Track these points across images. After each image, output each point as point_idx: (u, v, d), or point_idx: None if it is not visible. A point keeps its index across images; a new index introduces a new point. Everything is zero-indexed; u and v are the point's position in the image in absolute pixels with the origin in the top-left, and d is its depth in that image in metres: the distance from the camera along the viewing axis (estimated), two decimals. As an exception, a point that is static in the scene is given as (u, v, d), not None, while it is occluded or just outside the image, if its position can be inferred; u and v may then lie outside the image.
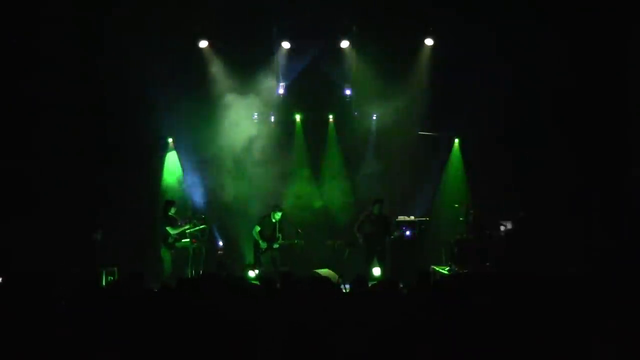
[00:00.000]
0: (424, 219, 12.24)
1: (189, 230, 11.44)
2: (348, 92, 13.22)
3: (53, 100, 11.30)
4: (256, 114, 12.99)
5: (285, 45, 12.68)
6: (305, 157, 13.44)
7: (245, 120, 12.72)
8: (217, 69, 12.67)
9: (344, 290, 8.18)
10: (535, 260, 10.35)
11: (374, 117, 13.31)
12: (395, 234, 11.88)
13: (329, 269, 10.75)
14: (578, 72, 11.40)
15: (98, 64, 11.34)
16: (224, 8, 11.82)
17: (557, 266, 9.78)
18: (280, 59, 12.81)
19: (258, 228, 11.62)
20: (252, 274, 11.42)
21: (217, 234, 12.07)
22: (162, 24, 11.31)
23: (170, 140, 13.09)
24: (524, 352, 4.52)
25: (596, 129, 11.49)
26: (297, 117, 13.37)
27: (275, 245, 11.57)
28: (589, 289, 5.76)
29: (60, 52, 11.18)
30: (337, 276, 10.25)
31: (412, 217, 12.18)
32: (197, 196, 12.88)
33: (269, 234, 11.60)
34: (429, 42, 12.71)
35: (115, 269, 10.81)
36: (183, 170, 13.11)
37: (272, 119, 13.24)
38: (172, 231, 11.25)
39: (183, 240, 11.40)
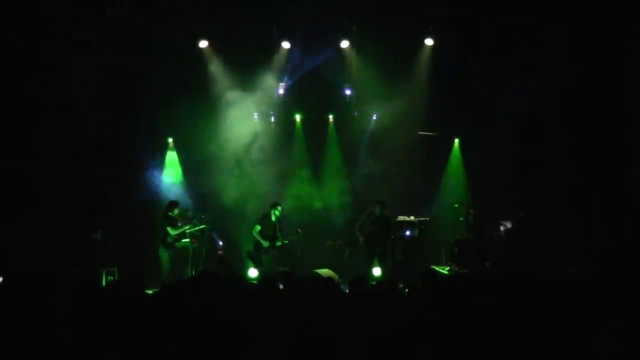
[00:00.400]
0: (424, 219, 12.23)
1: (189, 230, 11.44)
2: (348, 92, 13.23)
3: (53, 100, 11.30)
4: (256, 114, 13.01)
5: (285, 45, 12.70)
6: (305, 157, 13.45)
7: (245, 120, 12.74)
8: (217, 68, 12.67)
9: (345, 291, 8.18)
10: (535, 260, 10.34)
11: (374, 117, 13.31)
12: (400, 234, 11.86)
13: (329, 269, 10.75)
14: (578, 72, 11.40)
15: (98, 64, 11.33)
16: (224, 8, 11.82)
17: (557, 266, 9.78)
18: (280, 59, 12.82)
19: (258, 227, 11.62)
20: (252, 274, 11.42)
21: (215, 236, 12.04)
22: (162, 24, 11.30)
23: (170, 140, 13.09)
24: (524, 352, 4.51)
25: (596, 128, 11.49)
26: (297, 117, 13.38)
27: (278, 244, 11.57)
28: (589, 289, 5.76)
29: (60, 52, 11.18)
30: (337, 276, 10.25)
31: (412, 217, 12.17)
32: (197, 196, 12.87)
33: (270, 233, 11.60)
34: (429, 42, 12.71)
35: (115, 269, 10.80)
36: (183, 170, 13.11)
37: (272, 119, 13.25)
38: (172, 231, 11.26)
39: (183, 240, 11.40)
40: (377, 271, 11.50)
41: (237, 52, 12.41)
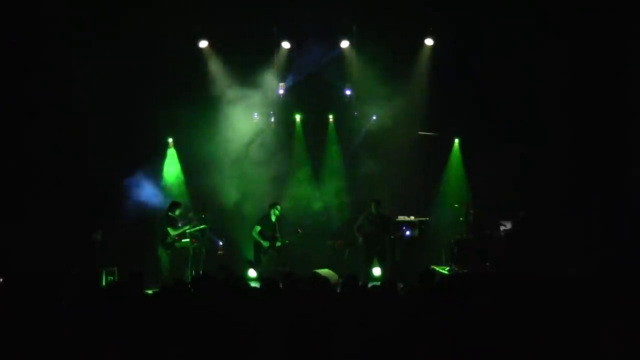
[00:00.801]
0: (424, 219, 12.23)
1: (189, 231, 11.44)
2: (348, 92, 13.23)
3: (53, 100, 11.30)
4: (256, 114, 13.00)
5: (285, 45, 12.70)
6: (305, 158, 13.45)
7: (245, 120, 12.73)
8: (217, 68, 12.67)
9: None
10: (535, 260, 10.34)
11: (374, 118, 13.31)
12: (400, 234, 11.86)
13: (329, 269, 10.77)
14: (578, 72, 11.40)
15: (98, 64, 11.33)
16: (224, 8, 11.82)
17: (557, 266, 9.78)
18: (280, 59, 12.82)
19: (258, 228, 11.61)
20: (252, 274, 11.42)
21: (214, 237, 12.03)
22: (162, 24, 11.30)
23: (170, 140, 13.09)
24: (524, 352, 4.51)
25: (596, 128, 11.49)
26: (297, 117, 13.37)
27: (278, 244, 11.57)
28: (589, 289, 5.76)
29: (60, 52, 11.18)
30: (337, 276, 10.26)
31: (412, 217, 12.17)
32: (197, 196, 12.86)
33: (270, 233, 11.60)
34: (429, 42, 12.71)
35: (115, 269, 10.78)
36: (183, 169, 13.11)
37: (272, 119, 13.24)
38: (172, 232, 11.25)
39: (183, 240, 11.39)
40: (377, 271, 11.51)
41: (237, 52, 12.41)
